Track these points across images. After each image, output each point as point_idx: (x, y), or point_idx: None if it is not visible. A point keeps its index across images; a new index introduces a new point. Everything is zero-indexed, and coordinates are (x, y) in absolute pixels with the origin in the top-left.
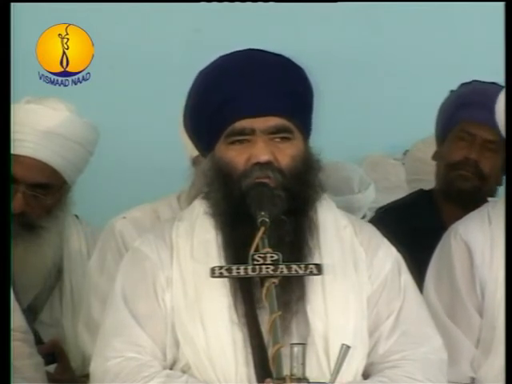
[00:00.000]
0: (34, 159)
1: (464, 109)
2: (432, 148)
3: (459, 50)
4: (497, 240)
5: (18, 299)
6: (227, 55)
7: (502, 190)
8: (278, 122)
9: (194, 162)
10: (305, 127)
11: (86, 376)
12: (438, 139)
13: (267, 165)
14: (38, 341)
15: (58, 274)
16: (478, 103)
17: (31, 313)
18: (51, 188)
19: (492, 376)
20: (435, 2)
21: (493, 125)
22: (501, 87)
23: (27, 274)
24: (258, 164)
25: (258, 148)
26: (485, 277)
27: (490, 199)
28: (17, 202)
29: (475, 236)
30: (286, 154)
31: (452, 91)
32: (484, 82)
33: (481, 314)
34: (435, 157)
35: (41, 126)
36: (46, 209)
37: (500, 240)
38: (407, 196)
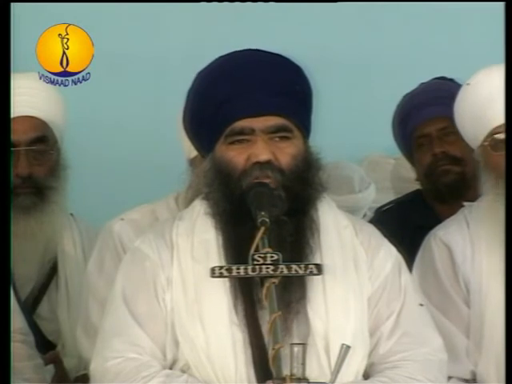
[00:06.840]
0: (24, 116)
1: (409, 119)
2: None
3: (459, 50)
4: (476, 241)
5: (16, 291)
6: (225, 56)
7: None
8: (278, 121)
9: (192, 163)
10: (304, 126)
11: (83, 376)
12: (409, 161)
13: (267, 164)
14: (39, 334)
15: (53, 266)
16: (418, 105)
17: (29, 306)
18: (48, 141)
19: (489, 372)
20: (435, 1)
21: (440, 113)
22: (440, 79)
23: (32, 246)
24: (258, 163)
25: (258, 148)
26: (467, 273)
27: (465, 203)
28: (21, 165)
29: (454, 238)
30: (285, 154)
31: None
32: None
33: (468, 305)
34: (417, 178)
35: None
36: (50, 167)
37: (480, 241)
38: (405, 196)
